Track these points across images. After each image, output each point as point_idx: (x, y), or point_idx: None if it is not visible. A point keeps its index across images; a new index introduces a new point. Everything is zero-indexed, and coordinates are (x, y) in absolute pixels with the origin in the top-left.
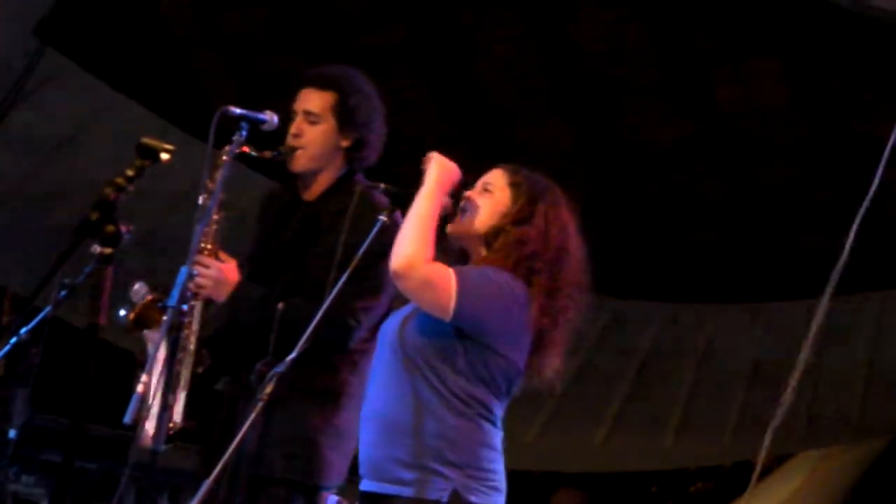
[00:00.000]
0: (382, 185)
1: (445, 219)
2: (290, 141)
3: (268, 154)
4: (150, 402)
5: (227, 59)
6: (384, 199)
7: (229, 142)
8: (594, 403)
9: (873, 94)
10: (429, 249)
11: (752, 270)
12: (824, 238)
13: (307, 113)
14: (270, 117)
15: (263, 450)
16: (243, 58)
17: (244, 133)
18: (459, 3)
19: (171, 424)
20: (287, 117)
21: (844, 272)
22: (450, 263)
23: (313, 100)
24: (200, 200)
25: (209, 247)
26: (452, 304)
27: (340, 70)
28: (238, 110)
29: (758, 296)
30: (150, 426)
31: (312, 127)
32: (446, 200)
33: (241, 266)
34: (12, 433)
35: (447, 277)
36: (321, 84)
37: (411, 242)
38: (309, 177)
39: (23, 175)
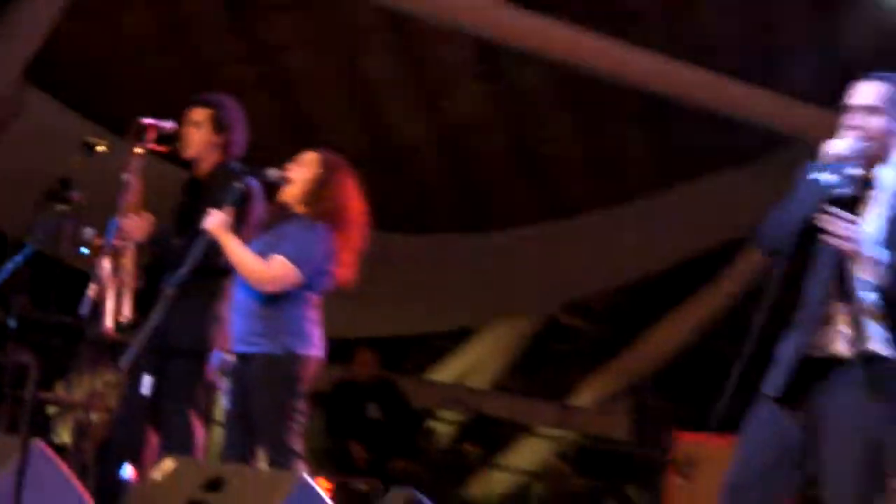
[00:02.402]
0: (238, 165)
1: (278, 187)
2: (184, 140)
3: (169, 148)
4: (105, 302)
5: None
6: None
7: (141, 140)
8: (375, 292)
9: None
10: (258, 263)
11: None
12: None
13: (194, 122)
14: (168, 124)
15: (173, 329)
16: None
17: (151, 135)
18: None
19: (122, 318)
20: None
21: None
22: (278, 213)
23: (198, 113)
24: (124, 177)
25: (132, 204)
26: (300, 277)
27: (217, 96)
28: (148, 120)
29: None
30: (108, 318)
31: (197, 131)
32: (276, 175)
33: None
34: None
35: (286, 269)
36: (203, 104)
37: (249, 270)
38: (196, 162)
39: None
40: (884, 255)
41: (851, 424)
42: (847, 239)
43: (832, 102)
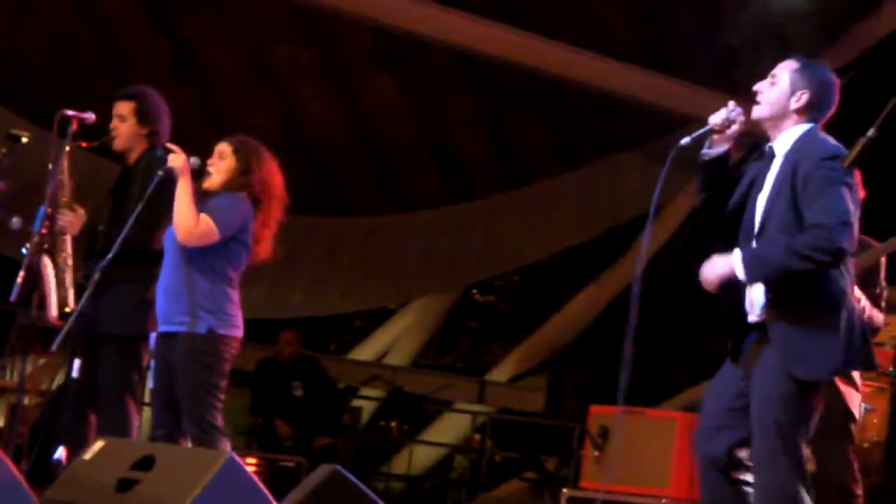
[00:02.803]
0: (161, 152)
1: (199, 172)
2: (111, 132)
3: (97, 142)
4: (46, 289)
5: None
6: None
7: (65, 131)
8: (294, 275)
9: None
10: (193, 213)
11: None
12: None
13: (119, 115)
14: (90, 116)
15: (104, 316)
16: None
17: (74, 126)
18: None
19: (66, 308)
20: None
21: None
22: (200, 199)
23: (122, 107)
24: (49, 167)
25: (66, 201)
26: (219, 236)
27: (139, 88)
28: (70, 112)
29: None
30: (53, 308)
31: (122, 123)
32: (197, 163)
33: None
34: None
35: (208, 226)
36: (126, 97)
37: (182, 216)
38: (125, 153)
39: None
40: (741, 272)
41: (765, 392)
42: (716, 276)
43: (727, 86)
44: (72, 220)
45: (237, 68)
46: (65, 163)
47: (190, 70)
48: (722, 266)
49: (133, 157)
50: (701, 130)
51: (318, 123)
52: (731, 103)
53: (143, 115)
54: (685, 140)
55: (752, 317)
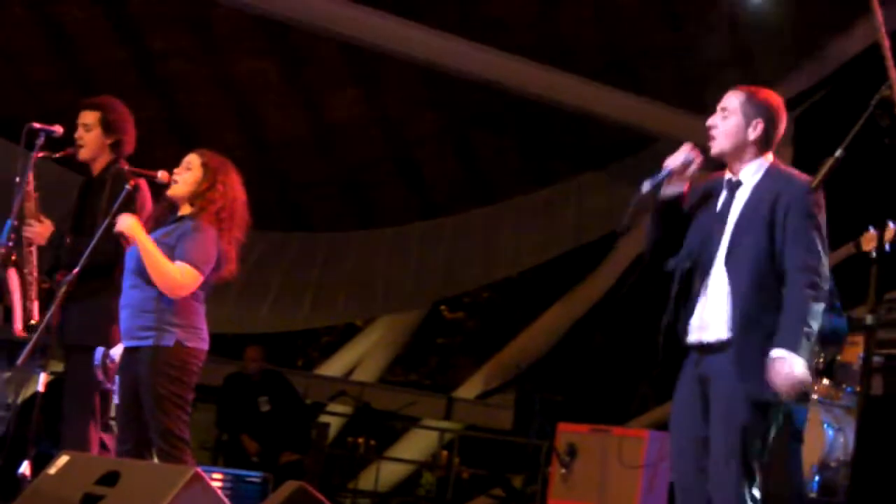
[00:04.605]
0: (128, 167)
1: (165, 187)
2: (77, 141)
3: (63, 153)
4: (13, 302)
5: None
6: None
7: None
8: (260, 290)
9: None
10: (170, 271)
11: None
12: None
13: (84, 125)
14: (57, 129)
15: (70, 327)
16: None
17: (42, 139)
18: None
19: (32, 321)
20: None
21: None
22: (166, 211)
23: (87, 116)
24: (17, 180)
25: (32, 211)
26: (201, 277)
27: (104, 98)
28: (38, 125)
29: None
30: (18, 321)
31: (88, 133)
32: (164, 174)
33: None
34: None
35: (193, 276)
36: (91, 107)
37: (162, 276)
38: (90, 163)
39: None
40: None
41: (727, 411)
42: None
43: (694, 105)
44: (39, 230)
45: (202, 81)
46: (31, 174)
47: (155, 83)
48: (798, 370)
49: (98, 167)
50: (661, 175)
51: (284, 138)
52: (688, 145)
53: (109, 125)
54: (646, 186)
55: (705, 336)
